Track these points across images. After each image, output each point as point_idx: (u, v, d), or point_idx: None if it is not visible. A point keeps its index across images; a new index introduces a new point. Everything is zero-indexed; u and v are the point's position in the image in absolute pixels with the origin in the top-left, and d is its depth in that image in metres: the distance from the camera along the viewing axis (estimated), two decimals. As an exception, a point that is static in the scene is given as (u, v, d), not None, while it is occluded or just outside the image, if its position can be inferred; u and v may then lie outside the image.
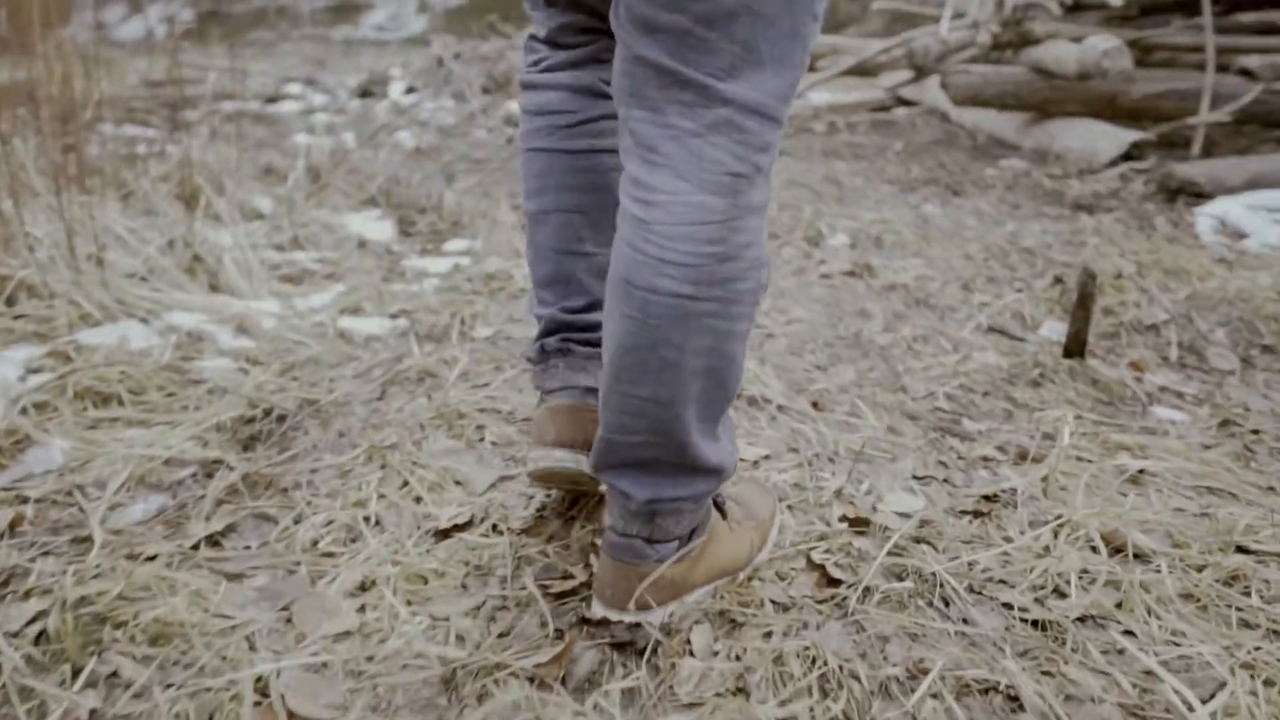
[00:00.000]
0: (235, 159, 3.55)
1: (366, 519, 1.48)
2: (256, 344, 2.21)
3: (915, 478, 1.68)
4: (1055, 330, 2.57)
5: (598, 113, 1.28)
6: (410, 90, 6.95)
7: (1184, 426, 2.03)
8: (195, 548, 1.41)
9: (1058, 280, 2.81)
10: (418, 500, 1.54)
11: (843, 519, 1.47)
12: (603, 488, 1.41)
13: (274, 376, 2.01)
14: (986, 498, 1.61)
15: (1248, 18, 4.73)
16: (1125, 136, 4.30)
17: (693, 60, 1.01)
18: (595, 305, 1.36)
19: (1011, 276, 2.92)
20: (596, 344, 1.38)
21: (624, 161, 1.11)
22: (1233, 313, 2.60)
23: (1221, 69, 4.32)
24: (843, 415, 1.95)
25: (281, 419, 1.82)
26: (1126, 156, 4.30)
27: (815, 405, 1.98)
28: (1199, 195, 3.69)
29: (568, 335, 1.39)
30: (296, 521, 1.48)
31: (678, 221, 1.04)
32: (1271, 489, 1.72)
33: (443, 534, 1.45)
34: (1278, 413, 2.13)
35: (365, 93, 7.02)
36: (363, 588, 1.31)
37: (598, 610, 1.23)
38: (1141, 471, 1.71)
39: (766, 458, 1.72)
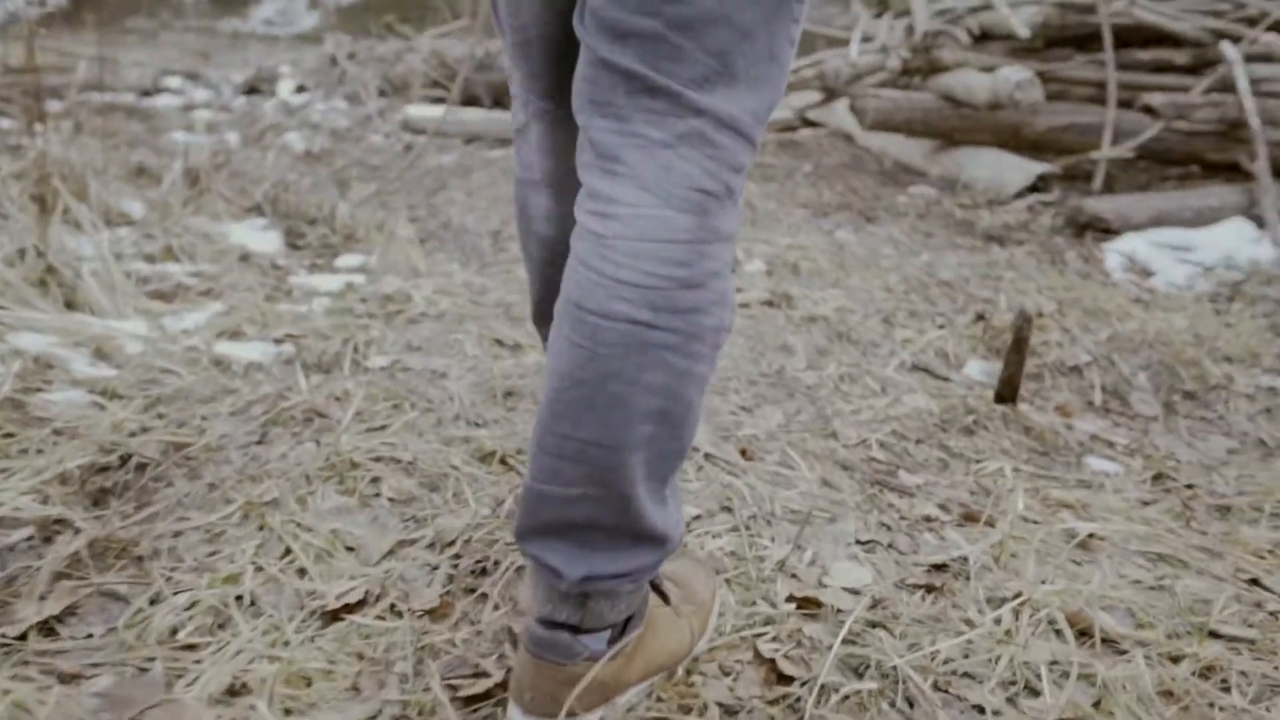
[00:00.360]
0: (102, 157, 3.23)
1: (239, 599, 1.26)
2: (117, 373, 1.95)
3: (859, 542, 1.54)
4: (979, 370, 2.49)
5: None
6: (301, 89, 6.61)
7: (1119, 480, 1.96)
8: (23, 637, 1.17)
9: (980, 317, 2.74)
10: (301, 573, 1.33)
11: (790, 599, 1.31)
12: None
13: (135, 414, 1.76)
14: (936, 567, 1.48)
15: (1145, 54, 4.81)
16: (1033, 168, 4.31)
17: (665, 68, 0.92)
18: None
19: (932, 311, 2.84)
20: None
21: (582, 176, 0.99)
22: (1153, 356, 2.56)
23: (1123, 104, 4.38)
24: (774, 465, 1.81)
25: (142, 468, 1.57)
26: (1032, 188, 4.32)
27: (744, 454, 1.83)
28: (1106, 231, 3.70)
29: None
30: (153, 602, 1.25)
31: (639, 237, 0.93)
32: (1218, 555, 1.64)
33: (331, 616, 1.25)
34: (1206, 464, 2.08)
35: (252, 89, 6.65)
36: (232, 692, 1.10)
37: None
38: (1091, 535, 1.61)
39: (698, 518, 1.56)
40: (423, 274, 2.84)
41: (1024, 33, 4.46)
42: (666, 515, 1.05)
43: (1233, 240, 3.68)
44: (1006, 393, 2.16)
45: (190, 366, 2.03)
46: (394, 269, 2.87)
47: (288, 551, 1.36)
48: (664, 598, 1.17)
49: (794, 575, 1.40)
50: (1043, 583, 1.47)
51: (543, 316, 1.37)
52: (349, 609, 1.26)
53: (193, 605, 1.23)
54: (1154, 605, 1.41)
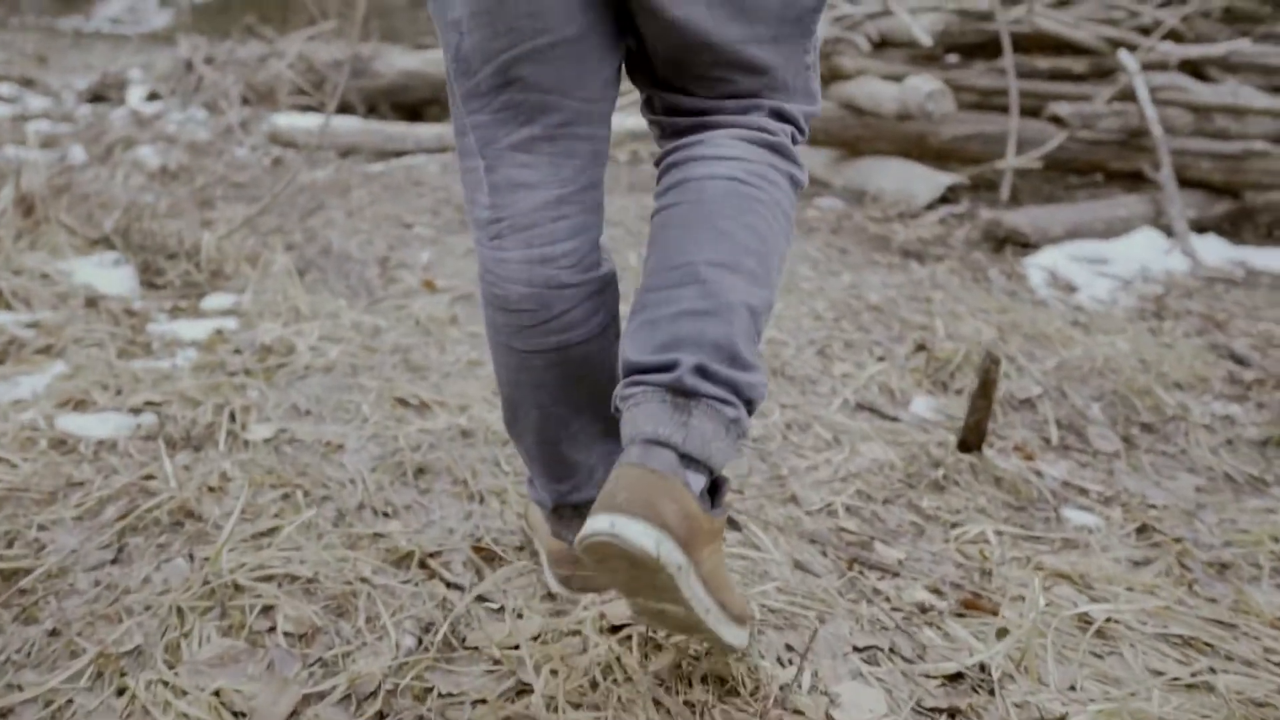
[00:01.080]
0: (-86, 184, 2.77)
1: (91, 815, 0.94)
2: (-72, 466, 1.57)
3: (856, 649, 1.31)
4: (926, 406, 2.31)
5: (562, 308, 1.18)
6: (153, 97, 6.07)
7: (1103, 535, 1.79)
8: None
9: (920, 347, 2.56)
10: (177, 761, 1.02)
11: (805, 753, 1.07)
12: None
13: (-50, 526, 1.40)
14: (951, 679, 1.27)
15: (1043, 63, 4.78)
16: (940, 179, 4.21)
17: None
18: (594, 481, 1.31)
19: (868, 340, 2.66)
20: None
21: (665, 144, 1.19)
22: (1104, 385, 2.43)
23: (1029, 113, 4.31)
24: (737, 546, 1.57)
25: (-44, 611, 1.23)
26: (942, 199, 4.21)
27: (702, 533, 1.59)
28: (1024, 245, 3.61)
29: (582, 506, 1.31)
30: (-32, 832, 0.92)
31: (731, 138, 1.13)
32: (1237, 630, 1.48)
33: (219, 827, 0.94)
34: (1184, 510, 1.94)
35: (97, 97, 6.08)
36: None
37: (600, 525, 0.93)
38: (1108, 620, 1.43)
39: (667, 631, 1.30)
40: (305, 315, 2.50)
41: (927, 41, 4.36)
42: (756, 356, 1.06)
43: (1145, 251, 3.64)
44: (973, 440, 1.97)
45: (25, 450, 1.67)
46: (271, 310, 2.52)
47: (157, 730, 1.05)
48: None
49: (797, 710, 1.16)
50: (1071, 688, 1.27)
51: (516, 420, 1.29)
52: (244, 813, 0.96)
53: (25, 835, 0.91)
54: (1204, 715, 1.22)
